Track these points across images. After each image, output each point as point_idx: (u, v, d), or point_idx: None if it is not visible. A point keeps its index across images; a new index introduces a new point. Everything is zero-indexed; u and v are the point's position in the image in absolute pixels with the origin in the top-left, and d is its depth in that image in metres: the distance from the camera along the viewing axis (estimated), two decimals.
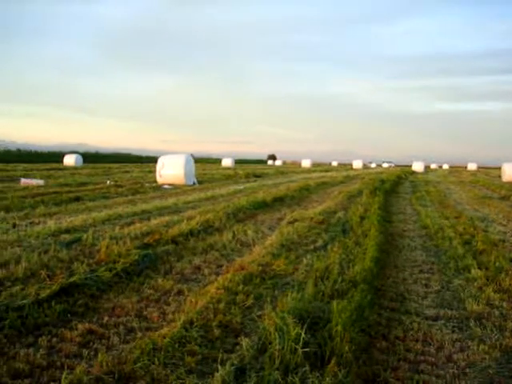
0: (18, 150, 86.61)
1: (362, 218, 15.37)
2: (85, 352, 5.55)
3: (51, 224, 13.04)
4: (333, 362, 5.18)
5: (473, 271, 9.54)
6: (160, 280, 8.30)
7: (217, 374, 4.86)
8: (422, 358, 5.91)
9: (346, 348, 5.44)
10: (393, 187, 33.86)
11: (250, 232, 12.66)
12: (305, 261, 9.66)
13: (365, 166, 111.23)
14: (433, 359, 5.87)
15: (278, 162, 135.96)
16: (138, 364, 5.08)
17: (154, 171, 31.67)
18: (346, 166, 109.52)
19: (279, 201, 20.89)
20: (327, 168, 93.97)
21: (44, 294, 6.95)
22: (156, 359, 5.20)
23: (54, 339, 5.88)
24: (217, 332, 6.09)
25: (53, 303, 6.76)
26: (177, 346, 5.57)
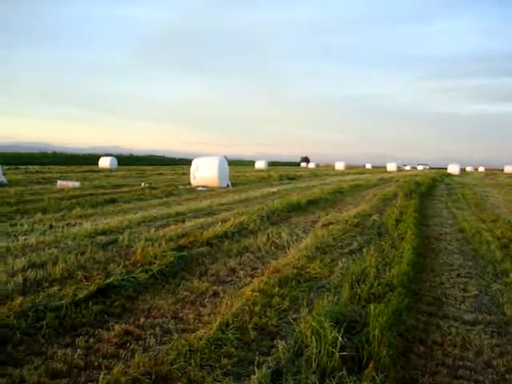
0: (54, 153, 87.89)
1: (398, 221, 15.22)
2: (122, 353, 5.58)
3: (87, 226, 13.19)
4: (370, 366, 5.12)
5: (511, 275, 9.38)
6: (195, 282, 8.33)
7: (253, 377, 4.85)
8: (461, 363, 5.82)
9: (384, 352, 5.38)
10: (428, 190, 33.50)
11: (284, 234, 12.63)
12: (340, 264, 9.60)
13: (399, 169, 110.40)
14: (471, 364, 5.79)
15: (311, 165, 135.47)
16: (175, 365, 5.09)
17: (188, 173, 31.81)
18: (380, 169, 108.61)
19: (313, 203, 20.81)
20: (361, 170, 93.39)
21: (81, 294, 7.01)
22: (192, 361, 5.20)
23: (92, 339, 5.92)
24: (253, 334, 6.07)
25: (90, 304, 6.82)
26: (213, 347, 5.57)
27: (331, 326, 5.66)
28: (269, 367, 5.06)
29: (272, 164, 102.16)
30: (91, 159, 72.78)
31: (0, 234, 12.11)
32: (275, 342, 5.95)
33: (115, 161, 63.58)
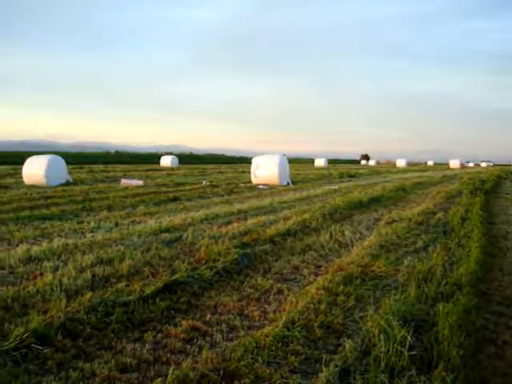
0: (116, 152, 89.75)
1: (464, 219, 14.88)
2: (189, 348, 5.63)
3: (152, 223, 13.41)
4: (440, 366, 5.03)
5: None
6: (259, 279, 8.34)
7: (321, 375, 4.83)
8: None
9: (454, 352, 5.28)
10: (493, 187, 32.64)
11: (347, 232, 12.51)
12: (405, 262, 9.44)
13: (462, 166, 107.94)
14: None
15: (372, 162, 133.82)
16: (242, 362, 5.11)
17: (248, 171, 31.93)
18: (443, 166, 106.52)
19: (375, 201, 20.56)
20: (423, 168, 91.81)
21: (148, 290, 7.12)
22: (259, 358, 5.22)
23: (159, 335, 6.00)
24: (319, 332, 6.04)
25: (157, 300, 6.93)
26: (279, 345, 5.57)
27: (399, 324, 5.59)
28: (336, 365, 5.02)
29: (331, 162, 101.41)
30: (152, 158, 73.91)
31: (68, 231, 12.44)
32: (341, 340, 5.90)
33: (176, 159, 64.37)
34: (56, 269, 8.33)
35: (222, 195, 22.82)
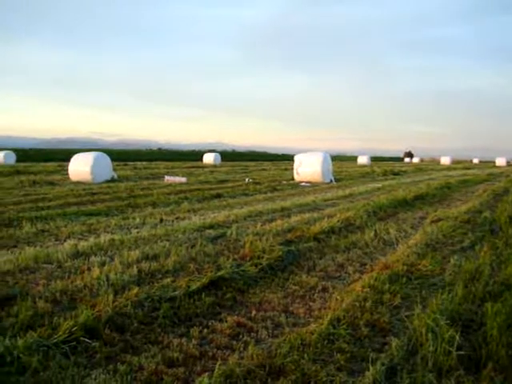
0: (159, 149, 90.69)
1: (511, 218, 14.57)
2: (235, 344, 5.65)
3: (196, 219, 13.54)
4: (489, 366, 4.97)
5: None
6: (304, 276, 8.32)
7: (367, 373, 4.79)
8: None
9: (503, 352, 5.20)
10: None
11: (392, 231, 12.39)
12: (452, 261, 9.30)
13: (508, 163, 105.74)
14: None
15: (415, 160, 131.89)
16: (288, 359, 5.09)
17: (290, 169, 31.90)
18: (488, 164, 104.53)
19: (420, 199, 20.30)
20: (468, 165, 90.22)
21: (194, 286, 7.17)
22: (305, 355, 5.20)
23: (205, 330, 6.03)
24: (365, 331, 5.99)
25: (203, 295, 6.97)
26: (325, 342, 5.55)
27: (447, 324, 5.52)
28: (383, 364, 4.98)
29: (375, 159, 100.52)
30: (195, 155, 74.49)
31: (114, 226, 12.61)
32: (387, 338, 5.84)
33: (219, 157, 64.70)
34: (103, 264, 8.47)
35: (265, 192, 22.86)
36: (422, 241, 11.11)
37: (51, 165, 44.26)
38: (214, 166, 54.63)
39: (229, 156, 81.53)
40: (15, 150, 56.37)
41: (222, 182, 28.64)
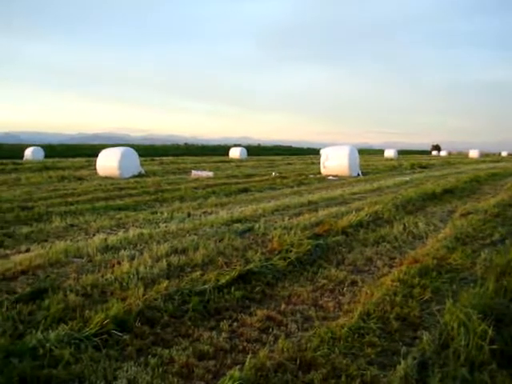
0: (185, 144, 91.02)
1: None
2: (265, 337, 5.65)
3: (223, 214, 13.55)
4: None
5: None
6: (333, 270, 8.29)
7: (399, 367, 4.77)
8: None
9: None
10: None
11: (421, 224, 12.29)
12: (482, 255, 9.18)
13: None
14: None
15: (443, 153, 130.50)
16: (318, 352, 5.10)
17: (316, 163, 31.83)
18: None
19: (449, 192, 20.09)
20: (497, 158, 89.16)
21: (223, 279, 7.18)
22: (336, 348, 5.20)
23: (235, 324, 6.05)
24: (395, 324, 5.96)
25: (232, 289, 6.98)
26: (355, 336, 5.53)
27: (479, 318, 5.46)
28: (414, 358, 4.95)
29: (401, 153, 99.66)
30: (221, 150, 74.62)
31: (142, 221, 12.69)
32: (418, 332, 5.80)
33: (245, 151, 64.76)
34: (132, 257, 8.53)
35: (292, 186, 22.82)
36: (452, 234, 11.00)
37: (79, 160, 44.68)
38: (240, 160, 54.62)
39: (254, 150, 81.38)
40: (43, 146, 56.96)
41: (249, 176, 28.63)
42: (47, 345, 5.02)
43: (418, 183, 24.55)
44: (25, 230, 11.19)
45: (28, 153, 50.95)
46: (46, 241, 10.29)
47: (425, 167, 43.25)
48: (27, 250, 9.33)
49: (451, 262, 8.72)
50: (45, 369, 4.70)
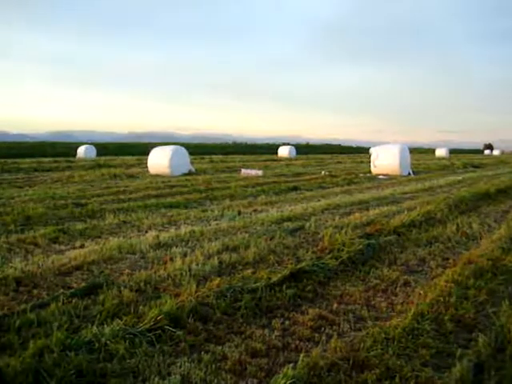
0: (234, 143, 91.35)
1: None
2: (317, 336, 5.62)
3: (273, 212, 13.57)
4: None
5: None
6: (385, 270, 8.21)
7: (454, 369, 4.69)
8: None
9: None
10: None
11: (474, 225, 12.07)
12: None
13: None
14: None
15: (496, 152, 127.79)
16: (372, 353, 5.05)
17: (366, 162, 31.54)
18: None
19: (503, 192, 19.66)
20: None
21: (275, 278, 7.18)
22: (389, 349, 5.14)
23: (287, 322, 6.04)
24: (449, 326, 5.86)
25: (283, 287, 6.97)
26: (409, 337, 5.46)
27: None
28: (470, 360, 4.87)
29: (453, 152, 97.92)
30: (270, 148, 74.71)
31: (193, 218, 12.82)
32: (473, 335, 5.69)
33: (294, 150, 64.70)
34: (184, 254, 8.62)
35: (342, 185, 22.70)
36: (507, 235, 10.75)
37: (130, 158, 45.39)
38: (289, 159, 54.59)
39: (303, 149, 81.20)
40: (95, 145, 58.05)
41: (298, 174, 28.60)
42: (102, 339, 5.10)
43: (471, 183, 24.14)
44: (79, 226, 11.40)
45: (81, 151, 52.06)
46: (99, 237, 10.48)
47: (477, 166, 42.46)
48: (81, 246, 9.53)
49: (507, 263, 8.52)
50: (100, 362, 4.77)
